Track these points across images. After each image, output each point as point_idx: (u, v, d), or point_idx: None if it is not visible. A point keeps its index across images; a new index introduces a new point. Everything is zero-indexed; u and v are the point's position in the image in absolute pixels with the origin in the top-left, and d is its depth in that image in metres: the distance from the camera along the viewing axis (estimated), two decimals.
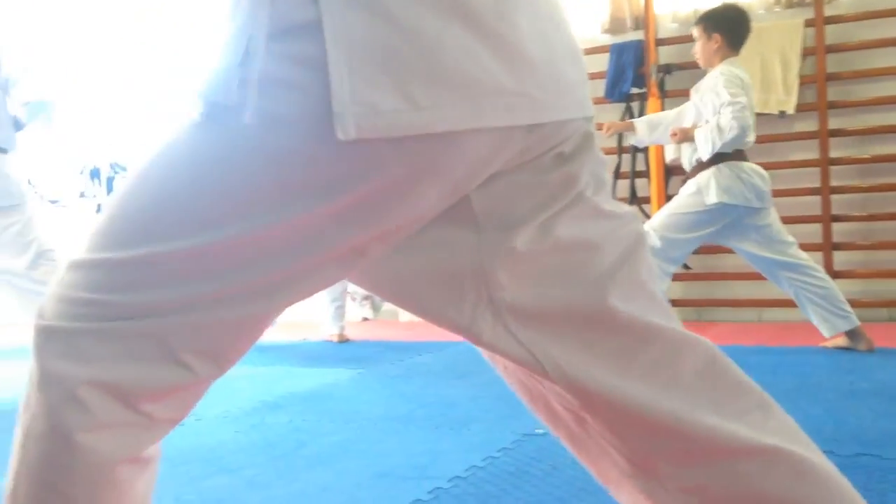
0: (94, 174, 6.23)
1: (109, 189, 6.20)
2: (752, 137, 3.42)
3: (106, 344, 0.84)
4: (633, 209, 1.01)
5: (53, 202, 6.19)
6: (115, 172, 6.18)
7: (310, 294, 0.87)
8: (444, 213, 0.85)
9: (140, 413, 0.86)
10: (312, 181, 0.78)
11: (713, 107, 3.38)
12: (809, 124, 4.60)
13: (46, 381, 0.85)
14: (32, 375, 0.86)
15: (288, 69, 0.76)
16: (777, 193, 3.67)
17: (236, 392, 3.14)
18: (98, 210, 6.75)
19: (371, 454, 2.24)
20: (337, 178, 0.78)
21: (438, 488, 1.90)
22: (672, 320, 0.90)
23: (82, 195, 6.32)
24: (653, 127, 3.81)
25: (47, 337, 0.86)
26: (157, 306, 0.83)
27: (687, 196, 3.51)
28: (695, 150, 3.50)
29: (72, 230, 6.50)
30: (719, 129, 3.30)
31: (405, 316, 5.26)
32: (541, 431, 2.29)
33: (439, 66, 0.75)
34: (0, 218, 3.25)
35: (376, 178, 0.78)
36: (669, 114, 3.83)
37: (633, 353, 0.87)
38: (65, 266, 0.88)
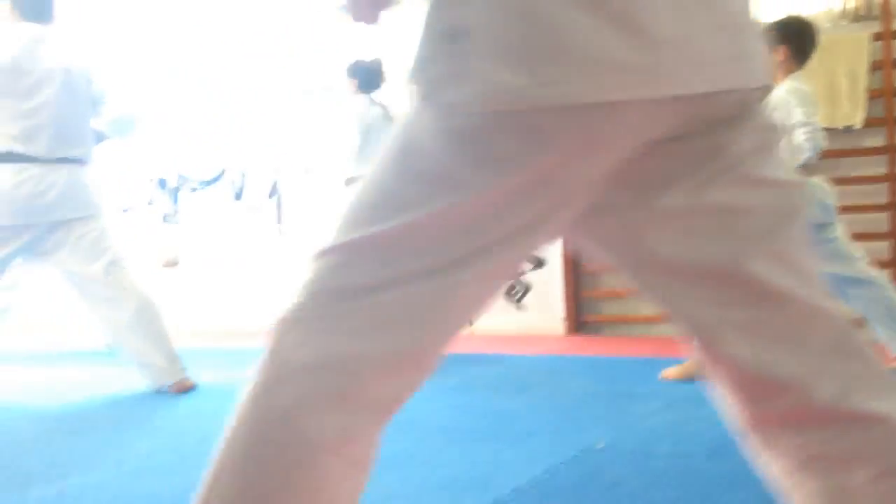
0: (162, 184, 6.40)
1: (175, 199, 6.36)
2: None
3: (336, 325, 0.92)
4: (799, 179, 1.04)
5: (124, 210, 6.37)
6: (182, 183, 6.34)
7: (511, 265, 0.98)
8: (608, 179, 0.94)
9: (364, 394, 0.92)
10: (487, 157, 0.89)
11: (782, 125, 3.34)
12: (877, 139, 4.52)
13: (275, 362, 0.94)
14: (263, 358, 0.95)
15: (447, 64, 0.89)
16: (843, 210, 3.62)
17: None
18: (164, 219, 6.92)
19: (432, 464, 2.26)
20: (507, 153, 0.89)
21: (501, 499, 1.92)
22: (814, 289, 0.95)
23: (150, 203, 6.50)
24: None
25: (287, 325, 0.94)
26: (383, 282, 0.92)
27: None
28: None
29: (139, 237, 6.69)
30: (792, 149, 3.26)
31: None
32: (602, 446, 2.29)
33: (562, 46, 0.85)
34: (78, 226, 3.38)
35: (540, 151, 0.88)
36: None
37: (763, 317, 0.93)
38: (311, 259, 0.98)
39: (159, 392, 3.39)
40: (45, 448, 2.51)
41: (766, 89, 0.96)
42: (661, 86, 0.87)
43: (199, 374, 3.52)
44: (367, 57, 4.59)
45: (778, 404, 0.93)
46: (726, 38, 0.91)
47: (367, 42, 5.80)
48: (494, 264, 0.94)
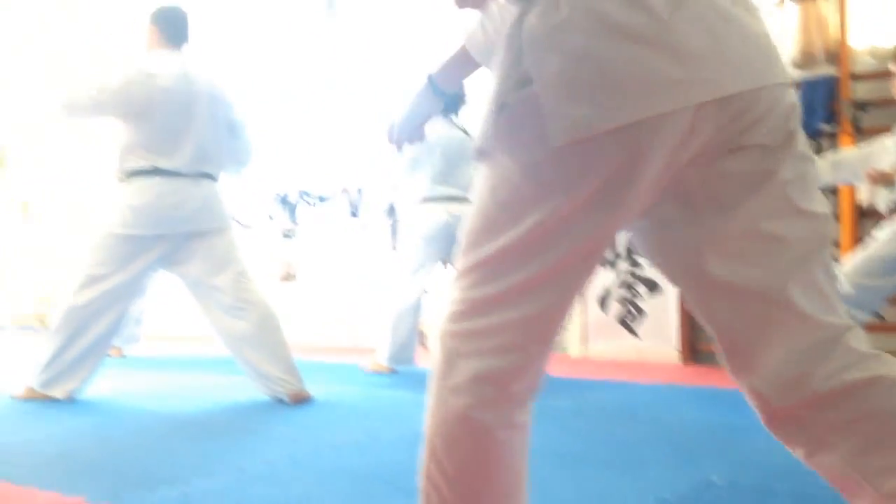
0: (283, 201, 6.60)
1: (293, 215, 6.54)
2: None
3: (473, 339, 1.16)
4: (828, 211, 1.15)
5: (245, 226, 6.60)
6: (302, 200, 6.53)
7: (585, 280, 1.17)
8: (663, 194, 1.11)
9: (507, 391, 1.18)
10: (548, 188, 1.08)
11: None
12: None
13: (446, 371, 1.20)
14: (436, 363, 1.22)
15: (519, 108, 1.08)
16: None
17: (411, 416, 3.22)
18: (284, 235, 7.14)
19: (543, 488, 2.24)
20: (565, 181, 1.07)
21: None
22: (836, 314, 1.12)
23: (271, 218, 6.72)
24: (837, 167, 3.63)
25: (444, 338, 1.20)
26: (495, 302, 1.15)
27: (882, 240, 3.32)
28: (892, 192, 3.32)
29: (259, 251, 6.92)
30: None
31: (575, 350, 5.23)
32: (719, 481, 2.22)
33: (614, 77, 1.02)
34: (210, 238, 3.55)
35: (599, 170, 1.05)
36: (856, 153, 3.65)
37: (795, 335, 1.10)
38: (453, 279, 1.21)
39: (277, 402, 3.48)
40: (170, 451, 2.62)
41: (788, 85, 1.11)
42: (699, 93, 1.02)
43: (314, 386, 3.60)
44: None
45: (794, 401, 1.11)
46: (749, 47, 1.07)
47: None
48: (577, 274, 1.15)
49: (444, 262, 4.59)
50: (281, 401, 3.49)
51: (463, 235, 1.20)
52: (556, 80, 1.03)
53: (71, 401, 3.46)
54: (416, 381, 4.25)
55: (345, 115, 6.66)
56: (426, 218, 4.45)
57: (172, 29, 3.64)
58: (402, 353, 4.50)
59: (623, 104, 1.01)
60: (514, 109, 1.08)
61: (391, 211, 6.06)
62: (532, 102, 1.05)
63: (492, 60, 1.17)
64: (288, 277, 8.27)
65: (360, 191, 6.27)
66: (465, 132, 4.52)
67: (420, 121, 1.54)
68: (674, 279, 1.21)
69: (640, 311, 5.00)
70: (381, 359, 4.51)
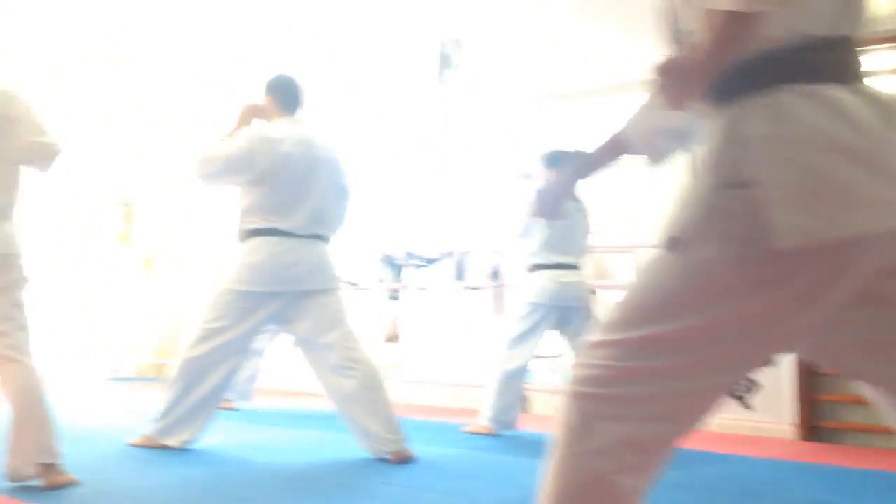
0: (390, 262, 6.72)
1: (398, 276, 6.65)
2: None
3: (624, 406, 1.21)
4: None
5: (353, 284, 6.74)
6: (409, 262, 6.63)
7: (751, 369, 1.26)
8: (853, 297, 1.19)
9: (651, 460, 1.24)
10: (753, 282, 1.15)
11: None
12: None
13: (584, 433, 1.23)
14: (569, 425, 1.25)
15: (732, 206, 1.16)
16: None
17: (512, 480, 3.19)
18: (391, 296, 7.24)
19: None
20: (772, 279, 1.15)
21: None
22: None
23: (379, 280, 6.84)
24: None
25: (582, 400, 1.24)
26: (654, 373, 1.20)
27: None
28: None
29: (366, 311, 7.03)
30: None
31: None
32: None
33: (838, 192, 1.11)
34: (321, 297, 3.64)
35: (807, 275, 1.14)
36: None
37: None
38: (588, 346, 1.27)
39: (379, 460, 3.50)
40: None
41: None
42: None
43: (416, 446, 3.61)
44: (568, 147, 4.67)
45: None
46: None
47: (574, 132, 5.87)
48: (740, 367, 1.23)
49: (552, 330, 4.57)
50: (383, 459, 3.50)
51: (625, 307, 1.25)
52: (784, 189, 1.11)
53: (184, 450, 3.57)
54: (518, 445, 4.20)
55: (453, 178, 6.77)
56: (536, 285, 4.45)
57: (287, 96, 3.81)
58: (506, 417, 4.47)
59: (845, 220, 1.10)
60: (725, 206, 1.16)
61: (496, 275, 6.08)
62: (750, 203, 1.13)
63: (652, 152, 1.32)
64: (393, 338, 8.36)
65: (465, 254, 6.33)
66: (578, 200, 4.52)
67: (562, 197, 1.60)
68: (845, 366, 1.32)
69: (753, 383, 4.82)
70: (484, 421, 4.49)
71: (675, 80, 1.15)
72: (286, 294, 3.62)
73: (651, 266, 1.26)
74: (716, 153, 1.20)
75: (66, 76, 8.39)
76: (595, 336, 1.28)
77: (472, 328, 6.35)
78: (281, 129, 3.67)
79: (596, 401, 1.23)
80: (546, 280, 4.44)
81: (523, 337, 4.46)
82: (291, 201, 3.61)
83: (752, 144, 1.15)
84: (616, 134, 1.52)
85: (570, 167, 1.58)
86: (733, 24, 1.10)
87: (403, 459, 3.48)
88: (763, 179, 1.12)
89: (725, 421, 4.79)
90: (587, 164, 1.58)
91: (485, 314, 6.23)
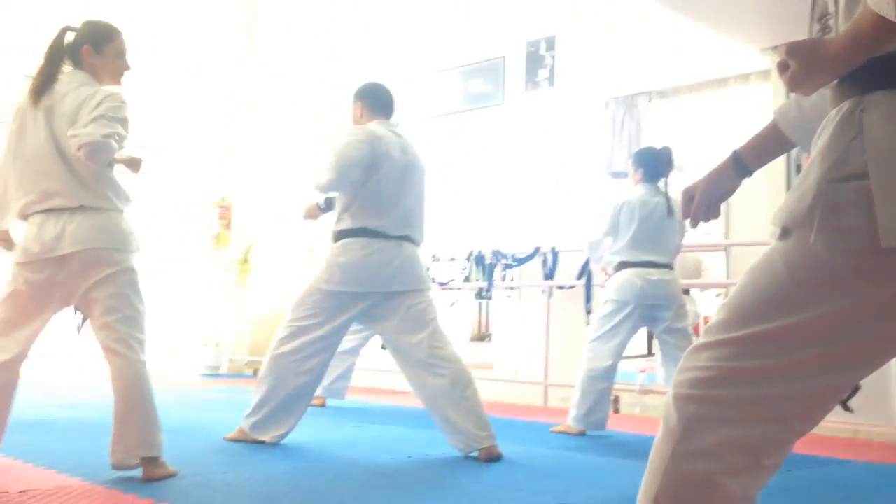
0: (479, 261, 6.72)
1: (489, 276, 6.64)
2: None
3: (730, 407, 1.19)
4: None
5: (442, 284, 6.78)
6: (497, 260, 6.62)
7: (873, 367, 1.19)
8: None
9: (760, 463, 1.20)
10: (864, 276, 1.12)
11: None
12: None
13: (688, 435, 1.21)
14: (672, 427, 1.23)
15: (844, 198, 1.12)
16: None
17: (601, 480, 3.15)
18: (479, 294, 7.24)
19: None
20: (883, 273, 1.11)
21: None
22: None
23: (466, 280, 6.85)
24: None
25: (685, 402, 1.22)
26: (761, 374, 1.17)
27: None
28: None
29: (457, 311, 7.06)
30: None
31: None
32: None
33: None
34: (410, 297, 3.68)
35: None
36: None
37: None
38: (693, 349, 1.25)
39: (467, 458, 3.51)
40: (364, 500, 2.70)
41: None
42: None
43: (504, 444, 3.61)
44: (658, 145, 4.59)
45: None
46: None
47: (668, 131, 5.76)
48: (855, 367, 1.17)
49: (641, 329, 4.51)
50: (472, 457, 3.51)
51: (730, 306, 1.22)
52: (892, 185, 1.08)
53: (277, 445, 3.66)
54: (608, 445, 4.15)
55: (543, 176, 6.74)
56: (622, 283, 4.41)
57: (379, 102, 3.87)
58: (593, 417, 4.43)
59: None
60: (837, 198, 1.13)
61: (586, 274, 6.02)
62: (862, 197, 1.10)
63: (808, 141, 1.23)
64: (482, 337, 8.38)
65: (555, 253, 6.28)
66: (668, 198, 4.45)
67: (717, 197, 1.48)
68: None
69: (856, 386, 4.64)
70: (572, 420, 4.46)
71: (802, 65, 1.12)
72: (375, 294, 3.67)
73: (759, 262, 1.23)
74: (830, 144, 1.16)
75: (162, 76, 8.68)
76: (701, 339, 1.25)
77: (561, 327, 6.31)
78: (380, 130, 3.72)
79: (700, 403, 1.20)
80: (632, 278, 4.38)
81: (608, 335, 4.42)
82: (386, 202, 3.65)
83: (867, 137, 1.11)
84: (770, 125, 1.45)
85: (726, 164, 1.47)
86: (882, 30, 1.06)
87: (492, 457, 3.48)
88: (880, 175, 1.09)
89: (824, 423, 4.63)
90: (745, 159, 1.46)
91: (574, 313, 6.17)
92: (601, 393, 4.43)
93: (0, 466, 2.96)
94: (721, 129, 5.76)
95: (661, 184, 4.50)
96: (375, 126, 3.73)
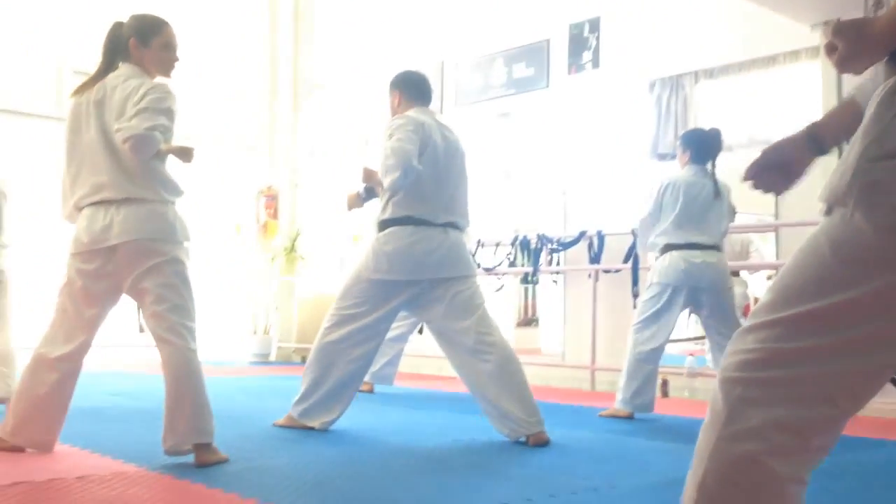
0: (525, 245, 6.70)
1: (535, 260, 6.62)
2: None
3: (776, 388, 1.18)
4: None
5: (488, 269, 6.77)
6: (543, 245, 6.59)
7: None
8: None
9: (808, 444, 1.19)
10: None
11: None
12: None
13: (734, 417, 1.21)
14: (718, 409, 1.23)
15: (884, 176, 1.12)
16: None
17: (650, 463, 3.14)
18: (525, 279, 7.23)
19: None
20: None
21: None
22: None
23: (512, 264, 6.84)
24: None
25: (731, 385, 1.22)
26: (807, 354, 1.17)
27: None
28: None
29: (503, 296, 7.05)
30: None
31: None
32: None
33: None
34: (456, 284, 3.68)
35: None
36: None
37: None
38: (740, 331, 1.25)
39: (515, 443, 3.52)
40: (412, 486, 2.72)
41: None
42: None
43: (552, 429, 3.60)
44: (705, 126, 4.53)
45: None
46: None
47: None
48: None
49: (682, 311, 4.46)
50: (519, 442, 3.51)
51: (776, 287, 1.22)
52: None
53: (325, 431, 3.70)
54: (655, 428, 4.12)
55: (587, 160, 6.69)
56: (666, 266, 4.38)
57: (416, 89, 3.87)
58: (640, 400, 4.41)
59: None
60: (877, 175, 1.13)
61: (632, 257, 5.96)
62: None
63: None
64: (529, 322, 8.37)
65: (600, 236, 6.24)
66: (716, 180, 4.40)
67: (776, 162, 1.39)
68: None
69: None
70: (619, 403, 4.44)
71: (849, 44, 1.11)
72: (421, 282, 3.68)
73: (805, 243, 1.22)
74: (871, 122, 1.16)
75: (209, 65, 8.77)
76: (747, 321, 1.25)
77: (608, 311, 6.27)
78: (421, 116, 3.71)
79: (746, 385, 1.20)
80: (676, 260, 4.34)
81: (652, 318, 4.40)
82: (429, 189, 3.64)
83: None
84: (848, 100, 1.42)
85: (799, 135, 1.39)
86: None
87: (540, 442, 3.48)
88: None
89: (877, 405, 4.54)
90: (819, 134, 1.39)
91: (621, 297, 6.13)
92: (647, 375, 4.41)
93: (59, 453, 3.04)
94: (770, 108, 5.65)
95: (708, 166, 4.44)
96: (416, 113, 3.72)
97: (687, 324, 6.37)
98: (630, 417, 4.40)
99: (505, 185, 7.29)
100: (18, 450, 3.01)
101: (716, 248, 4.40)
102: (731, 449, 1.21)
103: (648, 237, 4.59)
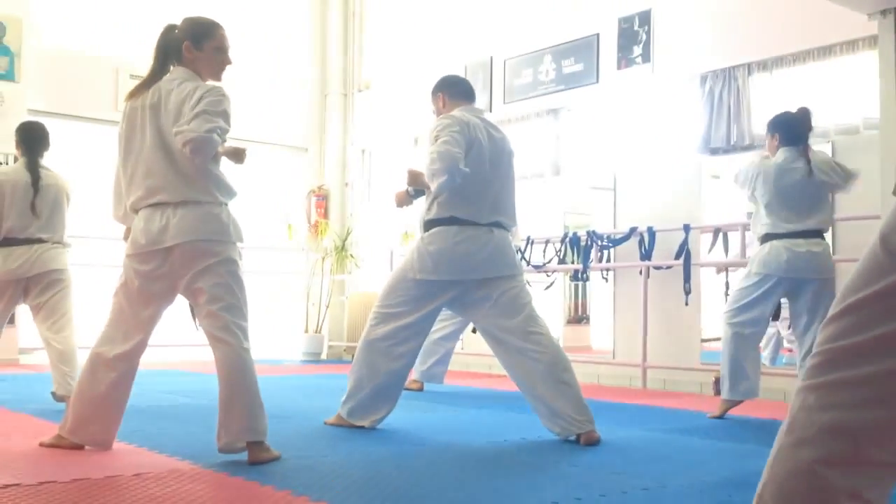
0: (574, 242, 6.66)
1: (585, 257, 6.57)
2: None
3: (833, 391, 1.13)
4: None
5: (537, 267, 6.74)
6: (592, 241, 6.54)
7: None
8: None
9: (862, 452, 1.11)
10: None
11: None
12: None
13: (792, 424, 1.16)
14: (785, 419, 1.18)
15: None
16: None
17: (702, 464, 3.09)
18: (575, 276, 7.18)
19: None
20: None
21: None
22: None
23: (562, 261, 6.80)
24: None
25: (798, 393, 1.17)
26: (859, 350, 1.11)
27: None
28: None
29: (553, 293, 7.02)
30: None
31: None
32: None
33: None
34: (501, 283, 3.66)
35: None
36: None
37: None
38: (825, 324, 1.19)
39: (565, 441, 3.50)
40: (462, 484, 2.72)
41: None
42: None
43: (603, 427, 3.58)
44: (793, 109, 4.37)
45: None
46: None
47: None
48: None
49: (778, 303, 4.34)
50: (570, 440, 3.49)
51: (842, 287, 1.17)
52: None
53: (374, 429, 3.72)
54: (710, 428, 4.06)
55: (638, 155, 6.62)
56: (766, 255, 4.24)
57: (458, 89, 3.87)
58: (742, 385, 4.31)
59: None
60: None
61: (684, 254, 5.89)
62: None
63: None
64: (578, 319, 8.31)
65: (651, 232, 6.17)
66: (810, 162, 4.24)
67: None
68: None
69: None
70: (726, 394, 4.37)
71: None
72: (465, 282, 3.67)
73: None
74: None
75: (259, 66, 8.88)
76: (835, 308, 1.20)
77: (659, 308, 6.20)
78: (466, 115, 3.70)
79: (808, 392, 1.16)
80: (778, 250, 4.20)
81: (746, 307, 4.29)
82: (475, 189, 3.63)
83: None
84: None
85: None
86: None
87: (591, 441, 3.45)
88: None
89: None
90: None
91: (672, 293, 6.06)
92: (751, 359, 4.31)
93: (115, 450, 3.11)
94: (827, 99, 5.52)
95: (800, 149, 4.26)
96: (461, 112, 3.71)
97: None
98: (737, 404, 4.35)
99: (554, 182, 7.24)
100: (78, 447, 3.09)
101: (820, 234, 4.23)
102: (788, 458, 1.17)
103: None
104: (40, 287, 4.41)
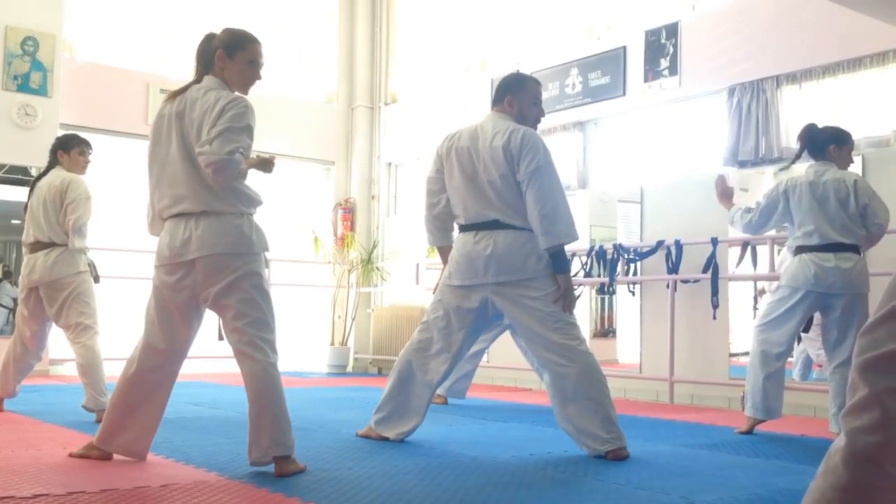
0: (601, 255, 6.63)
1: (611, 271, 6.54)
2: None
3: (857, 411, 1.09)
4: None
5: None
6: (619, 254, 6.51)
7: None
8: None
9: (884, 471, 1.07)
10: None
11: None
12: None
13: (832, 449, 1.13)
14: (863, 403, 1.11)
15: None
16: None
17: (730, 480, 3.06)
18: (601, 289, 7.14)
19: None
20: None
21: None
22: None
23: (588, 274, 6.77)
24: None
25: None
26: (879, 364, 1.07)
27: None
28: None
29: (577, 306, 6.97)
30: None
31: None
32: None
33: None
34: (519, 288, 3.56)
35: None
36: None
37: None
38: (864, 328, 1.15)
39: (594, 457, 3.47)
40: (487, 498, 2.71)
41: None
42: None
43: (631, 441, 3.55)
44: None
45: None
46: None
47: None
48: None
49: (809, 316, 4.29)
50: (598, 456, 3.47)
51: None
52: None
53: (401, 442, 3.72)
54: (738, 443, 4.02)
55: (665, 168, 6.59)
56: (795, 269, 4.21)
57: (494, 97, 3.88)
58: (769, 404, 4.27)
59: None
60: None
61: (711, 267, 5.84)
62: None
63: None
64: (605, 332, 8.26)
65: (679, 246, 6.13)
66: (837, 174, 4.20)
67: None
68: None
69: None
70: (749, 410, 4.33)
71: None
72: (483, 286, 3.61)
73: None
74: None
75: (286, 77, 8.96)
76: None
77: (686, 322, 6.15)
78: (459, 132, 3.78)
79: (847, 415, 1.12)
80: (806, 263, 4.16)
81: (777, 322, 4.24)
82: (462, 195, 3.68)
83: None
84: None
85: None
86: None
87: (619, 457, 3.42)
88: None
89: None
90: None
91: (700, 307, 6.01)
92: (776, 377, 4.27)
93: (142, 462, 3.14)
94: (857, 111, 5.47)
95: (826, 162, 4.24)
96: (462, 129, 3.78)
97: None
98: (761, 422, 4.31)
99: (581, 195, 7.22)
100: (107, 458, 3.11)
101: (853, 248, 4.17)
102: (822, 480, 1.13)
103: (738, 227, 4.49)
104: (47, 298, 4.41)
